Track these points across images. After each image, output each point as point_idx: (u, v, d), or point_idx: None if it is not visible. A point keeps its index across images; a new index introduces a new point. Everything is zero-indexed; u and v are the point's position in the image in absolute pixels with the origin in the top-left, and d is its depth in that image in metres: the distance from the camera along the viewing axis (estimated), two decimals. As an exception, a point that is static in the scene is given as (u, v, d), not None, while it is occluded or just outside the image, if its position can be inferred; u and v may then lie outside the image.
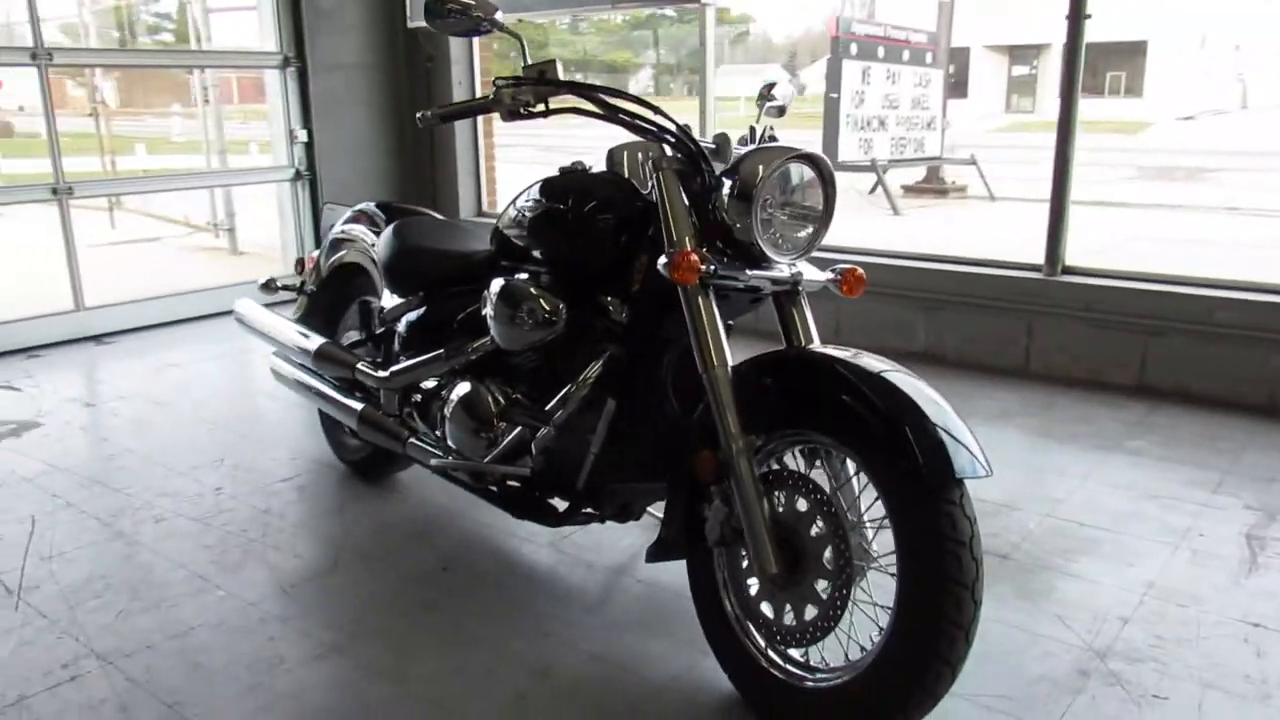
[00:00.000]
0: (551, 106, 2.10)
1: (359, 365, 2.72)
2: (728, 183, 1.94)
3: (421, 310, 2.67)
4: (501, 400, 2.33)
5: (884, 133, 10.46)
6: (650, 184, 2.03)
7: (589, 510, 2.29)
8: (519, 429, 2.28)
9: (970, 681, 2.02)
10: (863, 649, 1.79)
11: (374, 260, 2.84)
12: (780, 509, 1.84)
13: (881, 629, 1.75)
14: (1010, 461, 3.19)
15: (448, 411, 2.41)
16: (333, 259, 3.10)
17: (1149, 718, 1.91)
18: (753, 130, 2.27)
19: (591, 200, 2.17)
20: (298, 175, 5.60)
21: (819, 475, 1.85)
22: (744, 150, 2.00)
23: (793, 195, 1.98)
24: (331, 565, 2.58)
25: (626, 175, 2.22)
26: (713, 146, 2.18)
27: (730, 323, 2.24)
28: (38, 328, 4.69)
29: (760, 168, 1.90)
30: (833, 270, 2.14)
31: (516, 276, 2.28)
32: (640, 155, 2.19)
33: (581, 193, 2.20)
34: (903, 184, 12.00)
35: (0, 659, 2.15)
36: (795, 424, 1.83)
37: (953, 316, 4.30)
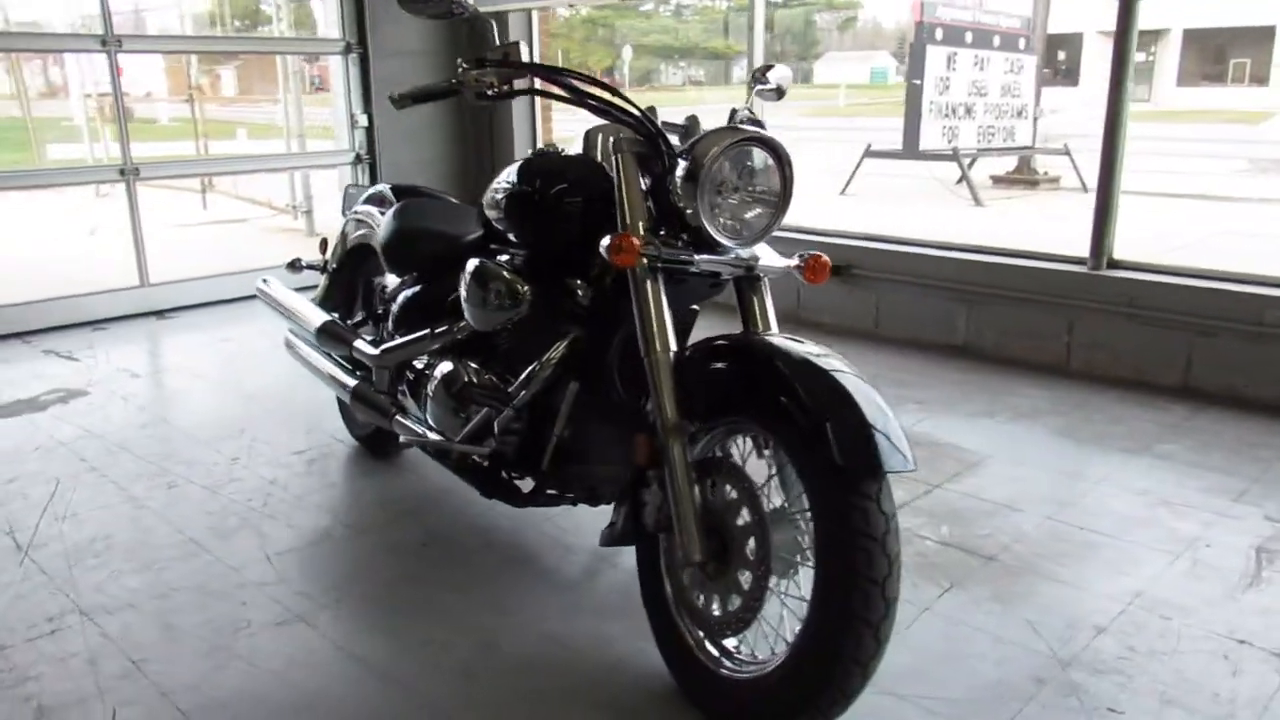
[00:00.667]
0: (516, 88, 2.11)
1: (355, 343, 2.79)
2: (681, 165, 1.92)
3: (415, 290, 2.72)
4: (475, 380, 2.37)
5: (970, 121, 10.15)
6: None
7: (552, 492, 2.30)
8: (485, 409, 2.31)
9: (918, 682, 1.97)
10: (787, 644, 1.76)
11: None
12: (711, 497, 1.82)
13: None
14: (1024, 460, 3.07)
15: (430, 390, 2.46)
16: (348, 240, 3.18)
17: (1099, 731, 1.83)
18: (733, 112, 2.25)
19: (560, 182, 2.17)
20: (358, 159, 5.75)
21: (763, 465, 1.82)
22: (702, 132, 1.98)
23: (749, 179, 1.94)
24: (320, 536, 2.66)
25: (600, 158, 2.21)
26: (684, 129, 2.16)
27: (695, 307, 2.23)
28: (105, 302, 4.95)
29: (710, 150, 1.88)
30: (798, 255, 2.10)
31: (492, 258, 2.31)
32: (608, 138, 2.18)
33: (551, 175, 2.20)
34: (992, 174, 11.63)
35: (-4, 610, 2.30)
36: (728, 411, 1.81)
37: (993, 310, 4.16)
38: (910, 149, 9.74)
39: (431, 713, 1.91)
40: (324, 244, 3.43)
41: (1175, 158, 12.88)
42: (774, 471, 1.80)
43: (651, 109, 2.11)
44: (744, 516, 1.77)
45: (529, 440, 2.29)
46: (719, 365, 1.84)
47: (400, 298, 2.75)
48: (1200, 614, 2.21)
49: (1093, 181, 11.15)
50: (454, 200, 3.07)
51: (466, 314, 2.30)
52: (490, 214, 2.35)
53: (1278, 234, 7.78)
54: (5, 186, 6.43)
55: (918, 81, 9.57)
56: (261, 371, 4.13)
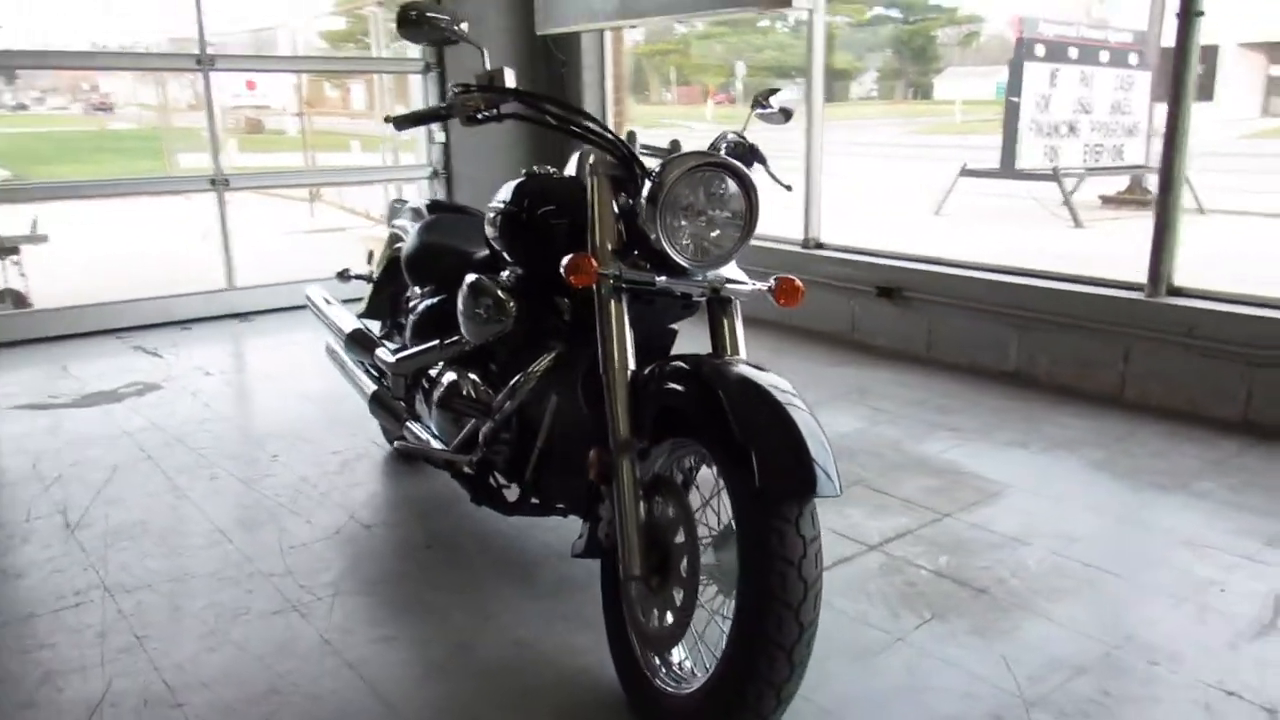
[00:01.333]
0: (502, 112, 2.19)
1: (377, 350, 2.92)
2: (646, 188, 1.96)
3: (431, 303, 2.84)
4: (468, 392, 2.46)
5: (1075, 139, 9.81)
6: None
7: (536, 501, 2.37)
8: (473, 419, 2.40)
9: (871, 712, 1.96)
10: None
11: None
12: (657, 514, 1.85)
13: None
14: (1047, 493, 2.98)
15: (434, 398, 2.58)
16: (387, 253, 3.34)
17: (1047, 773, 1.79)
18: (721, 135, 2.29)
19: (548, 203, 2.25)
20: (435, 174, 5.97)
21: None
22: (669, 156, 2.02)
23: (714, 203, 1.97)
24: (333, 532, 2.79)
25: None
26: (666, 152, 2.20)
27: (674, 327, 2.26)
28: (194, 303, 5.28)
29: (670, 174, 1.92)
30: (773, 279, 2.12)
31: (492, 275, 2.40)
32: (587, 160, 2.24)
33: (539, 195, 2.28)
34: (1101, 194, 11.18)
35: (33, 582, 2.50)
36: (675, 431, 1.84)
37: (1046, 336, 4.04)
38: (1007, 168, 9.46)
39: (387, 706, 2.00)
40: (370, 255, 3.60)
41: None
42: (717, 491, 1.83)
43: (631, 134, 2.17)
44: (681, 535, 1.80)
45: (517, 450, 2.37)
46: (670, 386, 1.87)
47: (418, 309, 2.87)
48: (1192, 661, 2.12)
49: (1209, 203, 10.52)
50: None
51: (461, 327, 2.40)
52: (487, 232, 2.45)
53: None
54: (107, 194, 6.92)
55: (1015, 99, 9.30)
56: (321, 375, 4.31)
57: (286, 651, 2.20)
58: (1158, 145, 11.35)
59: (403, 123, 2.28)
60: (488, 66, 2.19)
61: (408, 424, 2.74)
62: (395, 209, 3.50)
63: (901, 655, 2.15)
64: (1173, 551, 2.62)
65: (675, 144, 2.21)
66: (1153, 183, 11.10)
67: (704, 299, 2.07)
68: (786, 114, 2.49)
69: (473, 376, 2.51)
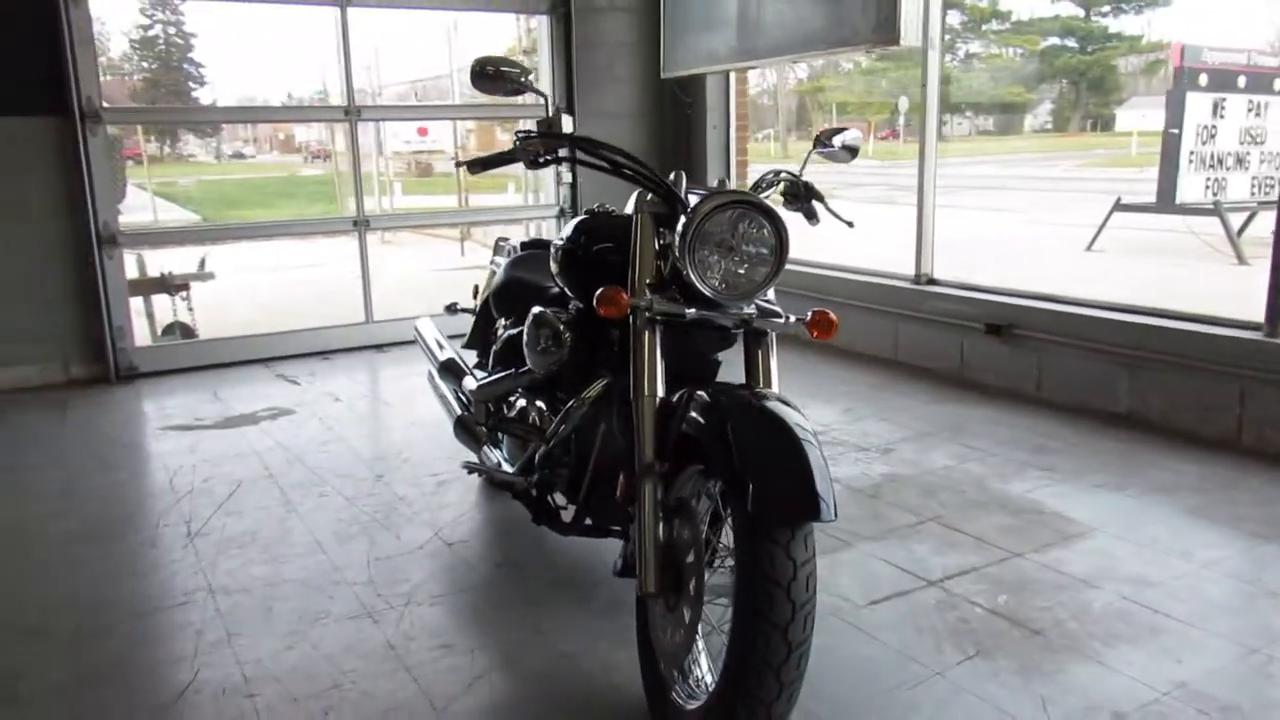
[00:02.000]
0: (561, 156, 2.35)
1: (464, 379, 3.13)
2: (680, 224, 2.07)
3: (511, 334, 3.02)
4: (535, 418, 2.62)
5: (1243, 172, 9.24)
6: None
7: (589, 522, 2.49)
8: (533, 443, 2.55)
9: (888, 742, 1.97)
10: (726, 680, 1.84)
11: None
12: (675, 536, 1.94)
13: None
14: (1131, 537, 2.87)
15: (505, 424, 2.75)
16: (486, 288, 3.56)
17: (1059, 816, 1.75)
18: (776, 172, 2.38)
19: (602, 239, 2.40)
20: (562, 213, 6.24)
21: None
22: (702, 194, 2.12)
23: (741, 239, 2.06)
24: (417, 548, 3.00)
25: None
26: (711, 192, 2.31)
27: (717, 358, 2.35)
28: (336, 335, 5.70)
29: (699, 213, 2.02)
30: (810, 312, 2.17)
31: (555, 308, 2.56)
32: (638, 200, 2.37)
33: (596, 232, 2.43)
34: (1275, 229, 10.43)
35: (153, 582, 2.81)
36: (693, 458, 1.93)
37: (1158, 376, 3.86)
38: (1165, 202, 9.00)
39: (432, 707, 2.15)
40: (476, 290, 3.83)
41: None
42: (727, 515, 1.90)
43: (679, 174, 2.29)
44: (691, 556, 1.88)
45: (575, 473, 2.50)
46: (693, 414, 1.96)
47: (500, 340, 3.06)
48: (1245, 715, 2.02)
49: (1395, 238, 9.66)
50: None
51: (526, 357, 2.56)
52: (552, 267, 2.61)
53: None
54: (262, 235, 7.61)
55: (1175, 130, 8.85)
56: (434, 403, 4.61)
57: (354, 653, 2.39)
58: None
59: (475, 166, 2.47)
60: (549, 113, 2.36)
61: (485, 448, 2.92)
62: (499, 246, 3.73)
63: (936, 690, 2.14)
64: (1252, 602, 2.48)
65: (721, 183, 2.31)
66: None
67: (739, 331, 2.15)
68: (851, 151, 2.54)
69: (539, 404, 2.67)
